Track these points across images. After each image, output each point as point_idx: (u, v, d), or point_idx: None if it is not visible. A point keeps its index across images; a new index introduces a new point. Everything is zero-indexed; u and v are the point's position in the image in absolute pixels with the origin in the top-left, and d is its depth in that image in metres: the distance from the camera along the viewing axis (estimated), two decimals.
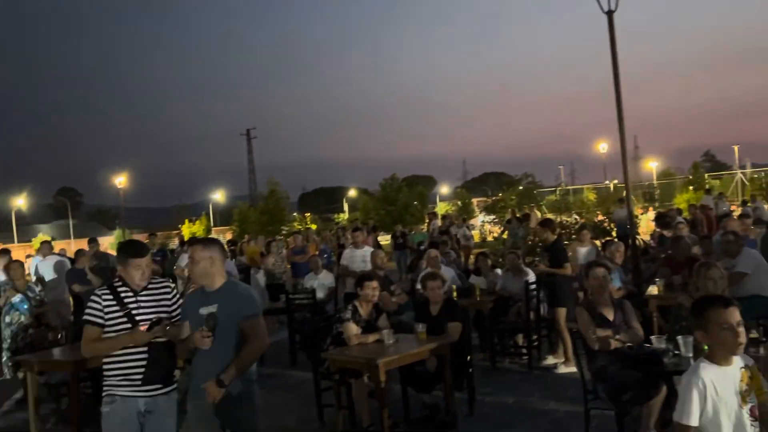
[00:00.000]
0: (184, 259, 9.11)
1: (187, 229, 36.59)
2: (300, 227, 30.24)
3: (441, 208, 42.76)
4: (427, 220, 26.00)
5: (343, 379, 5.97)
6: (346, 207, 49.77)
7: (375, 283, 6.18)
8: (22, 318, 7.78)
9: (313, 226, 30.80)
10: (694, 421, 2.84)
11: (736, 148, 49.33)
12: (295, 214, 40.45)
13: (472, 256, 14.67)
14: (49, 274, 11.17)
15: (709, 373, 2.89)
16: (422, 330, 5.90)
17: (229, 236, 30.88)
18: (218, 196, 59.70)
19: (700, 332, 3.00)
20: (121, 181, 43.35)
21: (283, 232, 30.31)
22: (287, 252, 14.06)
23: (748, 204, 19.87)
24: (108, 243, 33.34)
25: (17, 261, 9.38)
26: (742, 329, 2.89)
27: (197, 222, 39.37)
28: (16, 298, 7.90)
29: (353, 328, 5.94)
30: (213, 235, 26.50)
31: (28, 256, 18.25)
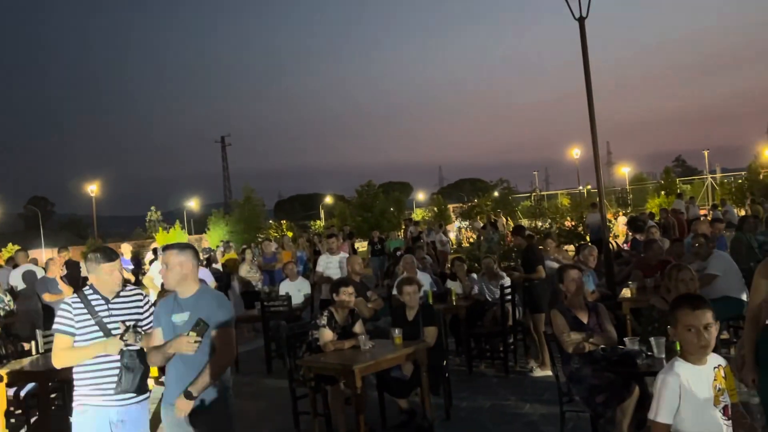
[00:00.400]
0: (156, 266, 8.98)
1: (161, 238, 36.19)
2: (276, 235, 30.08)
3: (417, 214, 42.87)
4: (404, 227, 26.04)
5: (319, 386, 5.94)
6: (322, 214, 49.65)
7: (351, 289, 6.17)
8: None
9: (289, 234, 30.68)
10: (668, 419, 2.86)
11: (706, 153, 50.24)
12: (270, 221, 40.23)
13: (448, 262, 14.72)
14: (21, 284, 10.99)
15: (684, 371, 2.91)
16: (398, 335, 5.89)
17: (205, 244, 30.62)
18: (193, 204, 59.12)
19: (672, 329, 3.04)
20: (93, 189, 42.72)
21: (259, 239, 30.14)
22: (259, 259, 13.98)
23: (719, 208, 20.22)
24: (80, 252, 32.80)
25: None
26: (708, 332, 2.90)
27: (171, 230, 38.95)
28: None
29: (329, 335, 5.92)
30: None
31: None
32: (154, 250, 17.88)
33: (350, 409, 5.68)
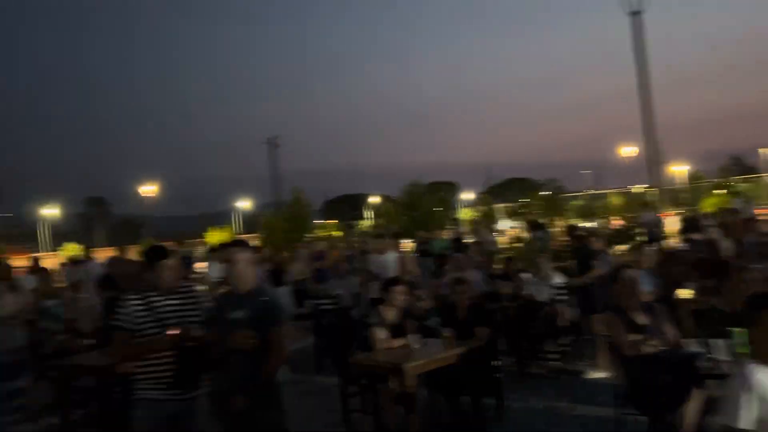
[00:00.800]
0: (214, 266, 9.14)
1: (213, 238, 36.90)
2: (324, 234, 30.34)
3: (465, 213, 42.66)
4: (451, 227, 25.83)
5: (370, 384, 5.94)
6: (368, 214, 49.85)
7: (402, 287, 6.17)
8: (53, 324, 7.89)
9: (337, 233, 30.87)
10: (745, 425, 2.74)
11: (764, 151, 48.44)
12: (319, 221, 40.61)
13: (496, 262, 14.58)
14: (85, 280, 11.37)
15: (761, 375, 2.79)
16: (449, 334, 5.86)
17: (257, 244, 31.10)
18: (244, 204, 60.11)
19: (751, 330, 2.90)
20: (149, 190, 43.95)
21: (306, 238, 30.43)
22: (309, 258, 14.12)
23: None
24: (137, 251, 33.68)
25: (45, 268, 9.54)
26: None
27: (223, 230, 39.70)
28: (49, 304, 8.02)
29: (380, 333, 5.92)
30: None
31: (62, 264, 18.57)
32: (211, 249, 18.23)
33: (400, 408, 5.67)
